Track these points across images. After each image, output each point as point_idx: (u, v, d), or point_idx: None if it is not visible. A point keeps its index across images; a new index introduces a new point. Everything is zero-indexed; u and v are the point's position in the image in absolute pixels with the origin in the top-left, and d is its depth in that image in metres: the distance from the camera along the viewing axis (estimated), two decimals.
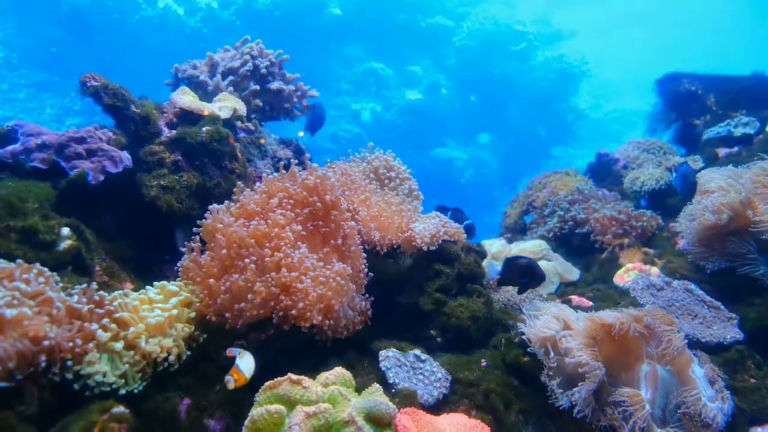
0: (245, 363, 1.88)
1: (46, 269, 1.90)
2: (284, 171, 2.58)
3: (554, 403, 2.06)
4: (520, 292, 2.88)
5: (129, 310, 2.01)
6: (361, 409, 1.68)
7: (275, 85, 3.74)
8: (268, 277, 2.13)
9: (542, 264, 3.74)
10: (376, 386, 1.87)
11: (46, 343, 1.65)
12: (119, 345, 1.87)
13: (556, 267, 3.72)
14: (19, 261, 1.85)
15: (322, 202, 2.46)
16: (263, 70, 3.69)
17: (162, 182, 2.72)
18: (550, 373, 2.14)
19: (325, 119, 4.00)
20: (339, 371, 1.87)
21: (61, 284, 1.95)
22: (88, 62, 13.27)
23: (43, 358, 1.65)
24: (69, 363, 1.73)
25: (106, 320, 1.90)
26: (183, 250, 2.37)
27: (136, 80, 4.71)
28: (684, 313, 2.76)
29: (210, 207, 2.41)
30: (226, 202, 2.48)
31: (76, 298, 1.88)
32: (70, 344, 1.71)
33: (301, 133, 3.85)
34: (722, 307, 2.78)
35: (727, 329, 2.63)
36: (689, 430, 1.94)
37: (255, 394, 1.74)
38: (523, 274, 2.72)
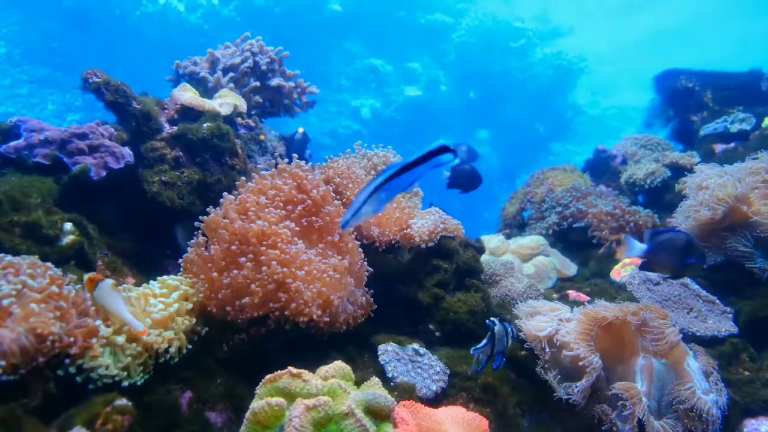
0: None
1: (58, 270, 1.91)
2: (285, 165, 2.60)
3: (552, 395, 2.09)
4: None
5: (132, 305, 2.04)
6: (360, 401, 1.70)
7: (275, 81, 3.76)
8: (264, 274, 2.15)
9: (540, 259, 3.77)
10: (375, 379, 1.89)
11: (50, 339, 1.67)
12: (121, 338, 1.89)
13: (554, 262, 3.75)
14: (28, 257, 1.86)
15: (310, 198, 2.48)
16: (263, 67, 3.71)
17: (163, 178, 2.74)
18: (546, 366, 2.17)
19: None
20: (338, 365, 1.90)
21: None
22: (89, 58, 13.24)
23: (47, 353, 1.67)
24: (73, 357, 1.75)
25: None
26: (186, 244, 2.40)
27: (137, 76, 4.73)
28: (680, 307, 2.78)
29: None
30: (235, 194, 2.50)
31: (80, 293, 1.89)
32: (74, 339, 1.73)
33: (300, 129, 3.87)
34: (717, 301, 2.81)
35: (722, 323, 2.65)
36: (684, 422, 1.96)
37: (255, 387, 1.77)
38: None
